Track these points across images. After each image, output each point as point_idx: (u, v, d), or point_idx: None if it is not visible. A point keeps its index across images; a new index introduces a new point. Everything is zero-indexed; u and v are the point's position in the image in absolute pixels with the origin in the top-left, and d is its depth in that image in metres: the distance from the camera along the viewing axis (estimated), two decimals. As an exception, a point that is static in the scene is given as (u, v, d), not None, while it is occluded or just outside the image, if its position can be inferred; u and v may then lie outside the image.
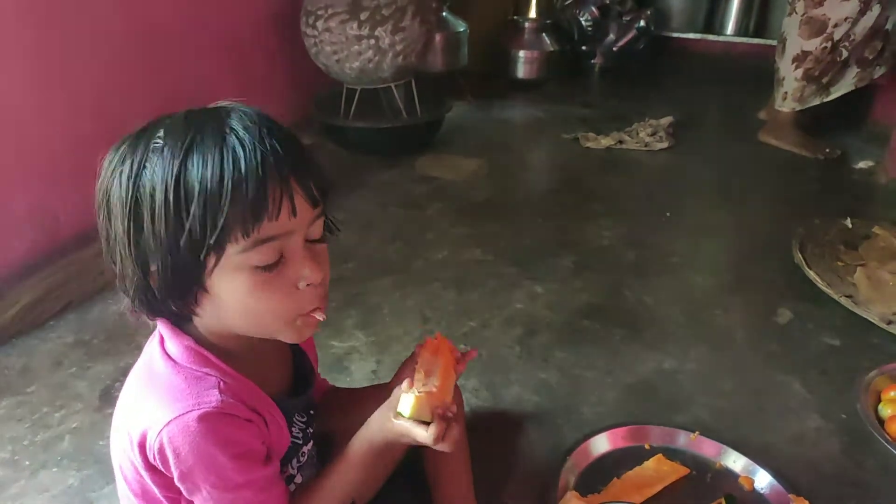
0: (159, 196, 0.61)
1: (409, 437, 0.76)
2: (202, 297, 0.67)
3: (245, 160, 0.61)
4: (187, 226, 0.61)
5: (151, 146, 0.63)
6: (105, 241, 0.67)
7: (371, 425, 0.80)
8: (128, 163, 0.63)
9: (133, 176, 0.62)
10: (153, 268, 0.64)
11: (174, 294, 0.66)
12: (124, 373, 1.32)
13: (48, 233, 1.61)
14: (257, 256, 0.64)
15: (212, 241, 0.61)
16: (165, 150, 0.62)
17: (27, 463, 1.14)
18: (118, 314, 1.54)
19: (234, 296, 0.66)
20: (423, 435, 0.75)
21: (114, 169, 0.64)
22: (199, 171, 0.60)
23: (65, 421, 1.23)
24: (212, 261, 0.63)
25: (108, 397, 1.29)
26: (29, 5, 1.49)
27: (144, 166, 0.62)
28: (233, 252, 0.63)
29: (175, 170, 0.60)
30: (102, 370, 1.36)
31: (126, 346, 1.43)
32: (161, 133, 0.63)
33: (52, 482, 1.10)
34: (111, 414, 1.22)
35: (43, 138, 1.57)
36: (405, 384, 0.78)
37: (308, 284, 0.67)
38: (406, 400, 0.77)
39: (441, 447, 0.76)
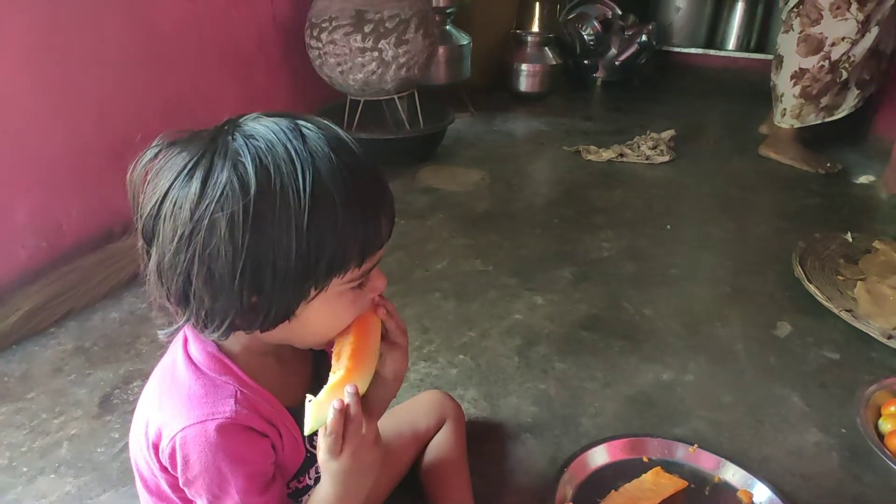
0: (289, 237, 0.58)
1: (327, 459, 0.67)
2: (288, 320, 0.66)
3: (366, 197, 0.63)
4: (314, 265, 0.61)
5: (263, 180, 0.58)
6: (181, 272, 0.60)
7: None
8: (233, 200, 0.57)
9: (250, 217, 0.57)
10: (255, 299, 0.61)
11: (269, 318, 0.63)
12: (124, 380, 1.35)
13: (50, 240, 1.62)
14: (357, 281, 0.67)
15: (332, 275, 0.63)
16: (287, 188, 0.58)
17: (25, 469, 1.14)
18: (119, 322, 1.55)
19: (323, 317, 0.68)
20: (326, 443, 0.66)
21: (210, 203, 0.58)
22: (330, 211, 0.60)
23: (63, 428, 1.23)
24: (317, 290, 0.64)
25: (107, 404, 1.29)
26: (33, 12, 1.51)
27: (262, 206, 0.58)
28: (340, 282, 0.65)
29: (305, 211, 0.58)
30: (102, 377, 1.36)
31: (126, 353, 1.44)
32: (266, 162, 0.58)
33: (50, 489, 1.10)
34: (110, 421, 1.24)
35: (45, 145, 1.59)
36: None
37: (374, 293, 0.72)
38: (306, 414, 0.66)
39: (347, 449, 0.66)
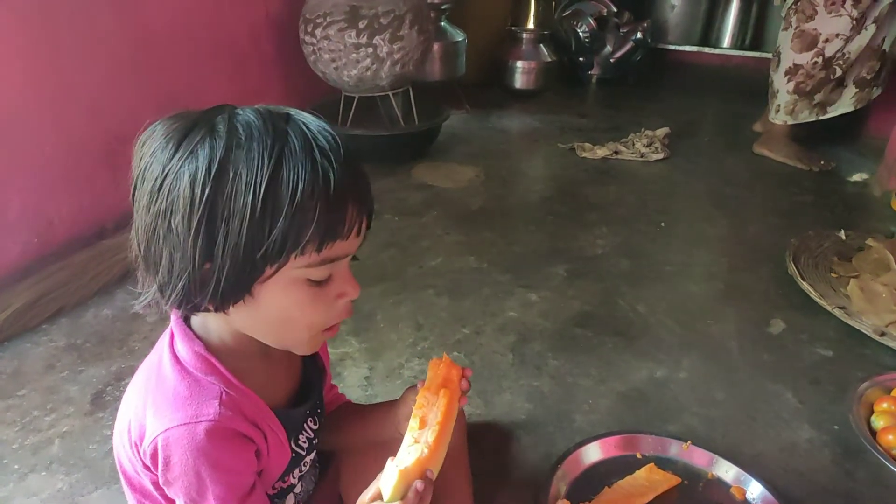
0: (245, 200, 0.59)
1: None
2: (245, 300, 0.65)
3: (334, 178, 0.61)
4: (268, 235, 0.60)
5: (232, 143, 0.60)
6: (147, 231, 0.62)
7: None
8: (202, 157, 0.59)
9: (212, 173, 0.59)
10: (207, 266, 0.61)
11: (221, 295, 0.63)
12: (116, 377, 1.34)
13: (42, 236, 1.61)
14: (318, 272, 0.65)
15: (286, 253, 0.62)
16: (253, 153, 0.59)
17: (16, 467, 1.13)
18: (111, 318, 1.54)
19: (279, 305, 0.66)
20: None
21: (180, 158, 0.60)
22: (292, 182, 0.59)
23: (55, 425, 1.22)
24: (272, 270, 0.63)
25: (99, 401, 1.28)
26: (25, 9, 1.49)
27: (225, 165, 0.59)
28: (296, 265, 0.63)
29: (266, 176, 0.59)
30: (94, 374, 1.35)
31: (118, 350, 1.43)
32: (240, 131, 0.60)
33: (41, 486, 1.09)
34: (102, 418, 1.23)
35: (37, 141, 1.58)
36: (389, 462, 0.71)
37: (344, 300, 0.70)
38: (388, 478, 0.69)
39: None
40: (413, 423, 0.75)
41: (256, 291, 0.64)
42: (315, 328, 0.70)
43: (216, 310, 0.65)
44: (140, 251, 0.64)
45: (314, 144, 0.61)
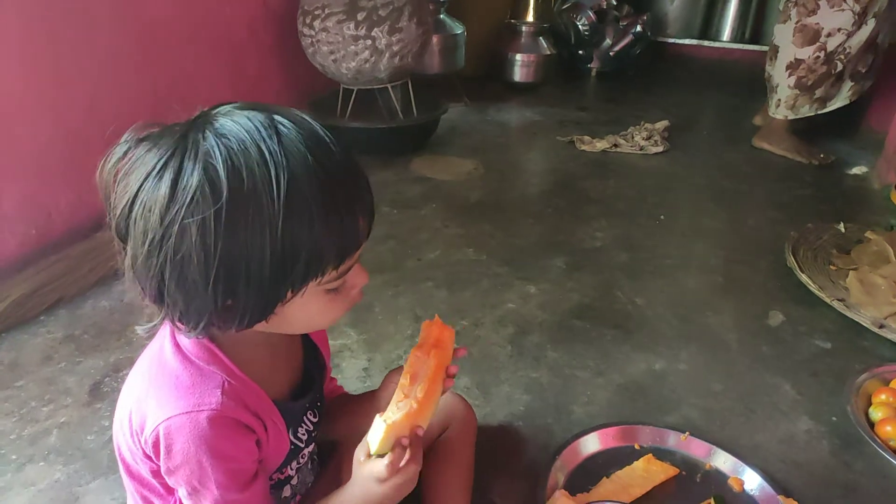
0: (263, 242, 0.57)
1: (372, 479, 0.71)
2: (267, 319, 0.65)
3: (344, 195, 0.61)
4: (290, 270, 0.60)
5: (235, 185, 0.55)
6: (155, 277, 0.59)
7: (350, 482, 0.75)
8: (203, 206, 0.55)
9: (223, 222, 0.56)
10: (230, 302, 0.61)
11: (244, 320, 0.63)
12: (114, 368, 1.34)
13: (39, 228, 1.61)
14: (336, 283, 0.66)
15: (308, 279, 0.62)
16: (261, 194, 0.56)
17: (13, 457, 1.13)
18: (109, 310, 1.54)
19: (301, 315, 0.67)
20: (379, 470, 0.70)
21: (181, 208, 0.56)
22: (305, 214, 0.58)
23: (53, 415, 1.22)
24: (293, 293, 0.63)
25: (97, 392, 1.28)
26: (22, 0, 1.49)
27: (234, 213, 0.56)
28: (315, 284, 0.64)
29: (279, 215, 0.56)
30: (92, 365, 1.35)
31: (116, 341, 1.43)
32: (237, 165, 0.56)
33: (39, 476, 1.09)
34: (100, 409, 1.23)
35: (34, 133, 1.57)
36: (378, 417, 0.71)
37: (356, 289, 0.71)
38: (376, 431, 0.70)
39: (395, 480, 0.70)
40: (403, 381, 0.76)
41: (278, 310, 0.65)
42: (336, 318, 0.72)
43: (237, 331, 0.65)
44: (145, 289, 0.61)
45: (317, 166, 0.59)
